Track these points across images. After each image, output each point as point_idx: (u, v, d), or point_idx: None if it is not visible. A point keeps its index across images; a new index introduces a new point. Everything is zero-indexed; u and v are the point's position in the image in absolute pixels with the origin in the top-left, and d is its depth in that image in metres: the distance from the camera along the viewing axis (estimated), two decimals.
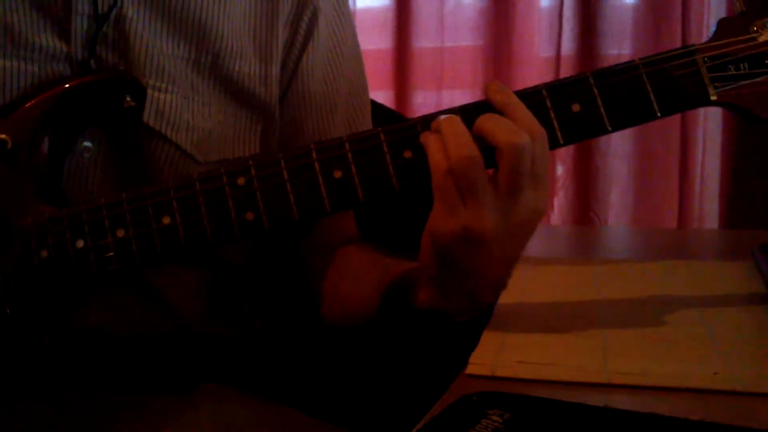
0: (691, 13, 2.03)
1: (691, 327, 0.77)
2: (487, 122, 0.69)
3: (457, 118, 0.70)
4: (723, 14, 1.98)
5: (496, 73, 2.13)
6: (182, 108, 0.83)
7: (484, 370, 0.67)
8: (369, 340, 0.97)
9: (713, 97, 0.73)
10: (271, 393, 0.91)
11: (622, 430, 0.56)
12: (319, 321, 0.93)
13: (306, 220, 0.74)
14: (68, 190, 0.80)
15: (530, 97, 0.72)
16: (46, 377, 0.80)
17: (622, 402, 0.61)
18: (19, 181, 0.77)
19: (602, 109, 0.72)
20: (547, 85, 0.73)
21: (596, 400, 0.61)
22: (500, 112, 0.70)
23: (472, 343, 0.72)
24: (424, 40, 2.20)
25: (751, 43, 0.73)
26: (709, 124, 2.08)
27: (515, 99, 0.71)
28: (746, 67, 0.73)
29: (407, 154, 0.72)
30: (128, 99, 0.79)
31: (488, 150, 0.68)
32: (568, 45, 2.11)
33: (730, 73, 0.73)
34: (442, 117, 0.71)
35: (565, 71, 2.08)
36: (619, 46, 2.08)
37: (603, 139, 2.08)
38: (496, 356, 0.70)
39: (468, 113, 0.71)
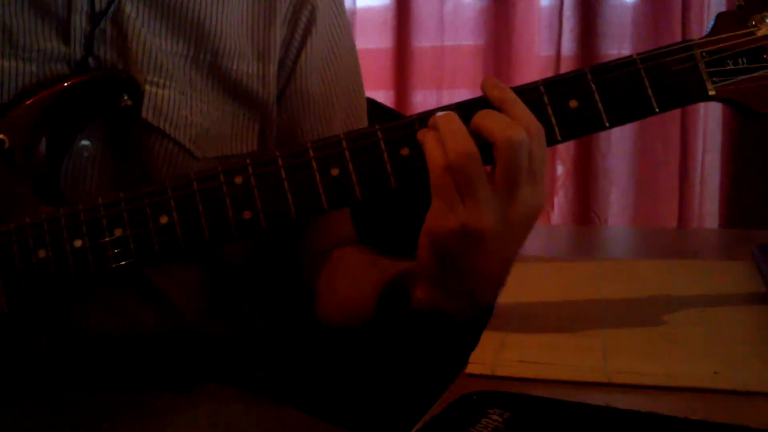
0: (691, 13, 2.03)
1: (691, 326, 0.77)
2: (484, 118, 0.69)
3: (454, 115, 0.70)
4: None
5: (496, 72, 2.13)
6: (180, 104, 0.83)
7: (485, 369, 0.67)
8: (368, 340, 0.97)
9: (711, 92, 0.73)
10: (270, 393, 0.91)
11: (622, 430, 0.56)
12: (317, 321, 0.93)
13: (303, 218, 0.74)
14: (66, 190, 0.80)
15: (528, 93, 0.72)
16: (45, 377, 0.80)
17: (622, 401, 0.61)
18: (16, 181, 0.77)
19: (600, 105, 0.72)
20: (545, 82, 0.72)
21: (596, 399, 0.61)
22: (497, 109, 0.70)
23: (472, 342, 0.72)
24: (424, 39, 2.20)
25: (749, 38, 0.73)
26: (710, 123, 2.08)
27: (512, 95, 0.71)
28: (745, 61, 0.73)
29: (404, 152, 0.72)
30: (125, 98, 0.79)
31: (486, 146, 0.68)
32: (568, 45, 2.11)
33: (729, 67, 0.72)
34: (439, 114, 0.71)
35: (565, 71, 2.08)
36: (619, 46, 2.08)
37: (603, 138, 2.08)
38: (497, 355, 0.69)
39: (465, 110, 0.71)
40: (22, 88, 0.79)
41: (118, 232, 0.74)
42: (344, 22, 0.94)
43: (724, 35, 0.73)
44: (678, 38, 2.00)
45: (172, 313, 0.89)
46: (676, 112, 2.00)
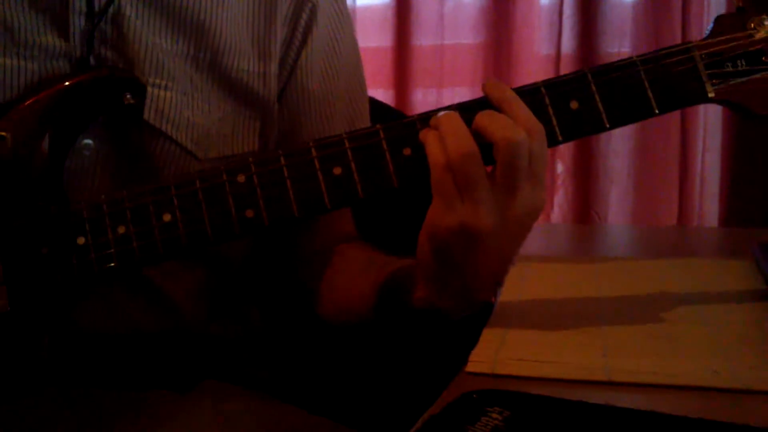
0: (691, 11, 2.03)
1: (691, 325, 0.77)
2: (484, 119, 0.70)
3: (455, 115, 0.70)
4: (723, 11, 1.98)
5: (496, 71, 2.13)
6: (182, 105, 0.83)
7: (485, 367, 0.67)
8: (369, 338, 0.97)
9: (711, 94, 0.73)
10: (271, 392, 0.91)
11: (622, 428, 0.56)
12: (317, 319, 0.93)
13: (306, 217, 0.74)
14: (69, 188, 0.80)
15: (529, 94, 0.72)
16: (46, 376, 0.80)
17: (622, 400, 0.61)
18: (19, 179, 0.77)
19: (600, 106, 0.72)
20: (546, 83, 0.73)
21: (596, 397, 0.61)
22: (499, 109, 0.70)
23: (472, 340, 0.72)
24: (424, 38, 2.20)
25: (748, 40, 0.73)
26: (709, 122, 2.08)
27: (513, 96, 0.71)
28: (744, 63, 0.73)
29: (407, 152, 0.72)
30: (128, 96, 0.79)
31: (487, 147, 0.68)
32: (568, 43, 2.11)
33: (728, 69, 0.73)
34: (441, 113, 0.71)
35: (565, 69, 2.08)
36: (619, 44, 2.08)
37: (603, 137, 2.08)
38: (497, 354, 0.70)
39: (467, 110, 0.71)
40: (23, 86, 0.78)
41: (121, 230, 0.74)
42: (346, 20, 0.94)
43: (723, 37, 0.73)
44: (678, 37, 2.00)
45: (173, 313, 0.89)
46: (676, 111, 2.00)
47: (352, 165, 0.73)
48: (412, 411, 0.61)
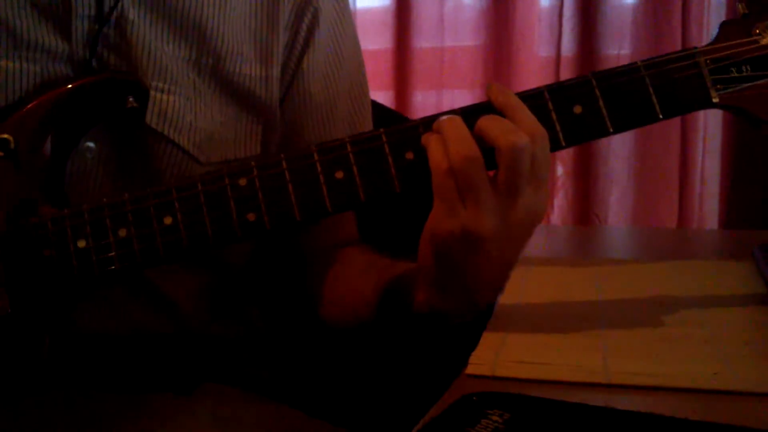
0: (691, 13, 2.02)
1: (691, 327, 0.77)
2: (487, 123, 0.70)
3: (458, 119, 0.70)
4: (723, 14, 1.98)
5: (496, 73, 2.13)
6: (185, 109, 0.83)
7: (485, 369, 0.67)
8: (369, 341, 0.97)
9: (715, 100, 0.73)
10: (271, 393, 0.91)
11: (622, 430, 0.56)
12: (318, 321, 0.93)
13: (308, 221, 0.74)
14: (70, 191, 0.80)
15: (532, 98, 0.72)
16: (47, 377, 0.80)
17: (622, 402, 0.61)
18: (21, 181, 0.77)
19: (604, 111, 0.72)
20: (549, 87, 0.73)
21: (596, 400, 0.62)
22: (502, 114, 0.70)
23: (472, 343, 0.73)
24: (424, 40, 2.19)
25: (753, 46, 0.73)
26: (710, 124, 2.08)
27: (516, 100, 0.71)
28: (749, 69, 0.73)
29: (409, 156, 0.72)
30: (131, 100, 0.79)
31: (489, 151, 0.68)
32: (568, 45, 2.11)
33: (733, 75, 0.73)
34: (444, 117, 0.71)
35: (565, 71, 2.08)
36: (619, 46, 2.08)
37: (603, 139, 2.07)
38: (497, 356, 0.70)
39: (469, 114, 0.71)
40: (25, 89, 0.79)
41: (122, 233, 0.74)
42: (348, 24, 0.94)
43: (728, 43, 0.73)
44: (678, 39, 2.00)
45: (174, 314, 0.89)
46: None
47: (354, 169, 0.73)
48: (413, 413, 0.61)
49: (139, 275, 0.85)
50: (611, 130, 0.73)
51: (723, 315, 0.81)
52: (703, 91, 0.73)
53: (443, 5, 2.19)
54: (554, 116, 0.72)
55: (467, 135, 0.69)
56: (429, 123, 0.72)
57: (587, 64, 2.06)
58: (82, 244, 0.75)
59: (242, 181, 0.74)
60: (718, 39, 0.74)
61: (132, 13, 0.81)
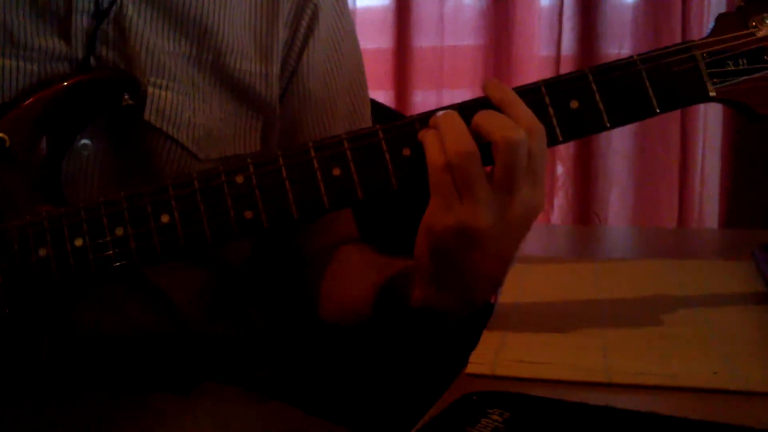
0: (691, 13, 2.03)
1: (691, 326, 0.77)
2: (484, 118, 0.69)
3: (454, 114, 0.70)
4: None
5: (496, 72, 2.13)
6: (183, 105, 0.83)
7: (485, 369, 0.67)
8: (368, 340, 0.97)
9: (712, 93, 0.73)
10: (270, 392, 0.91)
11: (622, 430, 0.56)
12: (317, 320, 0.93)
13: (305, 219, 0.74)
14: (67, 189, 0.80)
15: (529, 93, 0.72)
16: (45, 377, 0.80)
17: (622, 401, 0.61)
18: (17, 180, 0.77)
19: (601, 106, 0.72)
20: (546, 82, 0.73)
21: (596, 399, 0.61)
22: (498, 109, 0.70)
23: (472, 342, 0.72)
24: (424, 39, 2.20)
25: (749, 39, 0.73)
26: (710, 123, 2.08)
27: (513, 95, 0.71)
28: (745, 62, 0.73)
29: (406, 152, 0.72)
30: (126, 97, 0.79)
31: (486, 147, 0.68)
32: (568, 44, 2.11)
33: (729, 68, 0.73)
34: (440, 113, 0.71)
35: (565, 70, 2.06)
36: (619, 46, 2.08)
37: (603, 138, 2.08)
38: (497, 355, 0.70)
39: (466, 110, 0.71)
40: (23, 87, 0.78)
41: (119, 231, 0.74)
42: (347, 22, 0.94)
43: (724, 36, 0.73)
44: (678, 38, 2.00)
45: (173, 314, 0.89)
46: (677, 112, 2.00)
47: (351, 166, 0.72)
48: (413, 412, 0.60)
49: (137, 274, 0.85)
50: (608, 124, 0.72)
51: (723, 315, 0.81)
52: (699, 85, 0.73)
53: (443, 4, 2.19)
54: (551, 111, 0.72)
55: (464, 130, 0.69)
56: (425, 119, 0.72)
57: (587, 64, 2.03)
58: (79, 242, 0.74)
59: (239, 179, 0.73)
60: (714, 32, 0.73)
61: (131, 9, 0.81)
